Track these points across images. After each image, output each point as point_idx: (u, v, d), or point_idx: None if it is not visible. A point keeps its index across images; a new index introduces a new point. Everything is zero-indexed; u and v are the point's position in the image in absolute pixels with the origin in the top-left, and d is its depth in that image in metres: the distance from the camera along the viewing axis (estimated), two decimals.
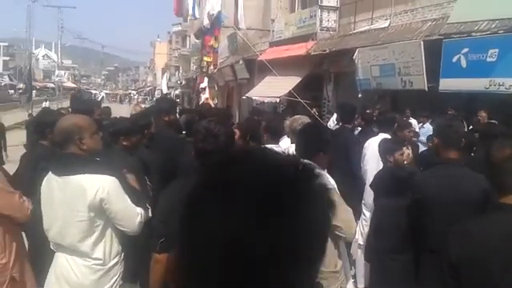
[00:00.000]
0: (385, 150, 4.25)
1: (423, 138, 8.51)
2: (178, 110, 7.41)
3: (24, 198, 3.14)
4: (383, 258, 3.55)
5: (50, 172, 2.81)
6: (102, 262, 2.75)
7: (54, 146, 3.76)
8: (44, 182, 2.85)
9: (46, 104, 27.44)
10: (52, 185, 2.78)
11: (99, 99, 45.12)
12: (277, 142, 4.81)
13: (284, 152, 0.82)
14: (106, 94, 71.91)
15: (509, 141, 1.93)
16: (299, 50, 16.03)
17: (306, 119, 5.14)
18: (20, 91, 44.24)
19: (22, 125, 16.04)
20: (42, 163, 3.47)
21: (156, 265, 2.49)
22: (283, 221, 0.68)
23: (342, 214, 2.79)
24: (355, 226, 2.90)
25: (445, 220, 2.92)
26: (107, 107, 9.11)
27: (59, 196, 2.73)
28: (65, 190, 2.70)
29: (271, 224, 0.67)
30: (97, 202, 2.66)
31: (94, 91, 69.13)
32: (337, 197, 2.78)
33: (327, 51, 14.64)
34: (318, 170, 0.77)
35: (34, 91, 39.41)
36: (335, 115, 11.10)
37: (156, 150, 4.25)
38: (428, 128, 9.11)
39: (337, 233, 2.80)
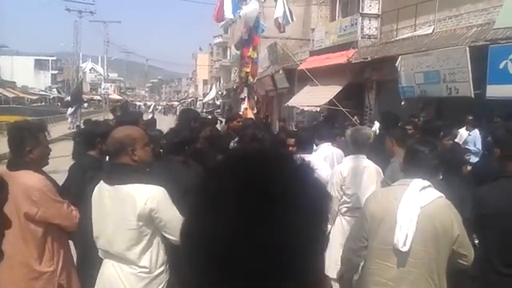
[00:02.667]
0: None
1: (474, 148, 8.27)
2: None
3: (72, 207, 3.26)
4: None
5: (102, 181, 2.90)
6: (148, 270, 2.80)
7: (103, 156, 3.90)
8: (95, 191, 2.94)
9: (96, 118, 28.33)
10: (103, 193, 2.86)
11: (151, 108, 46.02)
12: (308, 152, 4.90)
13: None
14: (144, 104, 73.38)
15: None
16: (340, 58, 15.93)
17: (368, 129, 5.17)
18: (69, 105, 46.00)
19: (70, 136, 16.63)
20: (90, 172, 3.58)
21: None
22: (285, 213, 0.69)
23: (468, 241, 2.71)
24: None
25: (508, 236, 2.84)
26: (153, 118, 9.33)
27: (110, 204, 2.81)
28: (115, 199, 2.78)
29: (274, 217, 0.69)
30: (146, 211, 2.72)
31: (138, 103, 70.89)
32: (459, 219, 2.69)
33: (369, 59, 14.48)
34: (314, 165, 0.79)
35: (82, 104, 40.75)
36: (377, 123, 10.95)
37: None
38: (475, 135, 8.83)
39: (461, 261, 2.71)
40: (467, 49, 10.37)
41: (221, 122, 12.10)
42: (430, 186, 2.62)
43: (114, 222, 2.80)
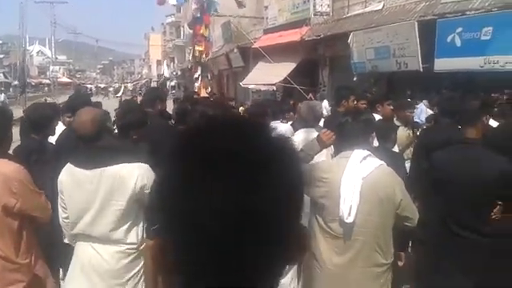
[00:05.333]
0: (390, 128, 4.24)
1: (418, 120, 8.49)
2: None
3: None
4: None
5: (72, 166, 2.77)
6: (136, 245, 2.76)
7: (45, 138, 3.73)
8: (64, 178, 2.82)
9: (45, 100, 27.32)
10: (78, 179, 2.75)
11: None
12: None
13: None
14: (96, 87, 70.98)
15: None
16: (293, 35, 15.96)
17: (319, 104, 5.21)
18: (15, 88, 44.11)
19: (18, 121, 15.90)
20: (34, 156, 3.43)
21: (147, 252, 2.47)
22: (267, 184, 0.67)
23: (410, 203, 2.79)
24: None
25: (460, 199, 2.95)
26: (98, 102, 9.00)
27: (91, 188, 2.71)
28: (99, 182, 2.69)
29: (258, 188, 0.66)
30: (138, 189, 2.67)
31: (89, 85, 68.71)
32: (401, 184, 2.76)
33: (321, 36, 14.57)
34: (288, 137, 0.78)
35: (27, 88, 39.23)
36: (326, 101, 11.17)
37: (146, 139, 4.20)
38: (422, 109, 9.09)
39: (405, 223, 2.79)
40: (415, 24, 10.60)
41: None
42: (370, 155, 2.67)
43: (97, 205, 2.71)
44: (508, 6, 9.11)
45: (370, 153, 2.69)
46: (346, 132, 2.77)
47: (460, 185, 2.92)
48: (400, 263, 3.53)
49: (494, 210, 3.17)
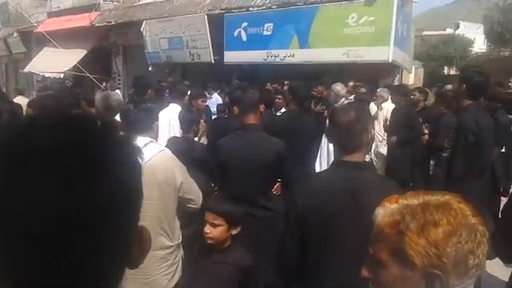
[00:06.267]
0: (191, 119, 4.32)
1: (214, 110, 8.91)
2: None
3: None
4: None
5: None
6: None
7: None
8: None
9: None
10: None
11: None
12: None
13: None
14: None
15: (352, 106, 2.16)
16: (82, 20, 15.01)
17: (118, 95, 4.96)
18: None
19: None
20: None
21: None
22: (89, 183, 0.63)
23: (192, 186, 2.84)
24: (201, 195, 2.93)
25: (243, 179, 3.19)
26: None
27: None
28: None
29: (80, 186, 0.62)
30: None
31: None
32: (183, 169, 2.79)
33: (113, 23, 14.07)
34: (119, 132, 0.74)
35: None
36: (118, 91, 10.89)
37: None
38: (216, 98, 9.55)
39: (189, 205, 2.83)
40: (206, 16, 11.04)
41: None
42: (152, 141, 2.72)
43: None
44: (285, 5, 10.19)
45: (152, 140, 2.73)
46: (129, 119, 2.76)
47: (243, 166, 3.19)
48: None
49: (275, 187, 3.58)
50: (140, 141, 2.63)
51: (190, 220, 3.39)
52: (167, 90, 7.10)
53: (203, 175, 3.49)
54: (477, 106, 3.74)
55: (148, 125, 2.81)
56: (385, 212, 1.01)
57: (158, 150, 2.72)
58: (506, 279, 2.26)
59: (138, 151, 0.74)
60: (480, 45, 36.46)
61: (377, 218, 1.02)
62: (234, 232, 2.52)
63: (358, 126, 1.91)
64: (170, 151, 2.83)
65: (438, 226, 0.93)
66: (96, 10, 15.06)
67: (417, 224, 0.95)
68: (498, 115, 5.13)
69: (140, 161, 0.74)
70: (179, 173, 2.76)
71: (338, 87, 6.78)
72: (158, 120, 2.90)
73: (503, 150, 5.35)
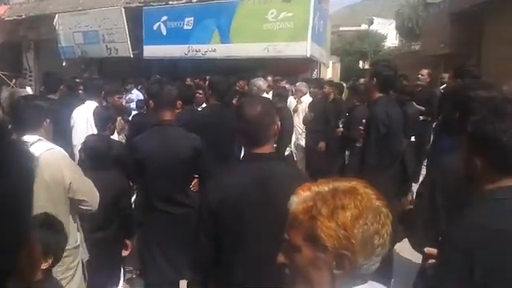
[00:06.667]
0: (107, 117, 4.15)
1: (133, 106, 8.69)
2: None
3: None
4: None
5: None
6: None
7: None
8: None
9: None
10: None
11: None
12: None
13: None
14: None
15: (258, 100, 2.16)
16: None
17: (26, 92, 4.65)
18: None
19: None
20: None
21: None
22: None
23: (85, 186, 2.69)
24: (98, 196, 2.77)
25: (160, 175, 3.14)
26: None
27: None
28: None
29: None
30: None
31: None
32: (74, 168, 2.68)
33: (23, 16, 13.28)
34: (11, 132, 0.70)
35: None
36: (29, 88, 10.34)
37: None
38: (137, 94, 9.32)
39: (82, 207, 2.67)
40: (123, 9, 10.71)
41: None
42: (40, 139, 2.58)
43: None
44: None
45: (40, 138, 2.59)
46: (16, 117, 2.61)
47: (160, 163, 3.15)
48: None
49: (193, 183, 3.57)
50: (27, 139, 2.48)
51: (108, 223, 3.29)
52: (81, 87, 6.82)
53: (120, 174, 3.40)
54: (387, 98, 3.94)
55: (37, 123, 2.64)
56: (298, 199, 1.06)
57: (45, 148, 2.55)
58: (418, 261, 2.38)
59: (29, 154, 0.72)
60: (392, 40, 38.52)
61: (291, 206, 1.07)
62: (44, 266, 2.00)
63: (265, 120, 1.94)
64: (59, 149, 2.67)
65: (346, 209, 0.99)
66: (5, 4, 14.17)
67: (327, 209, 1.00)
68: (406, 107, 5.43)
69: (30, 164, 0.71)
70: (68, 172, 2.61)
71: (260, 82, 6.85)
72: (48, 118, 2.74)
73: (413, 140, 5.70)
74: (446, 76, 7.59)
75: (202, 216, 1.93)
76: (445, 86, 6.68)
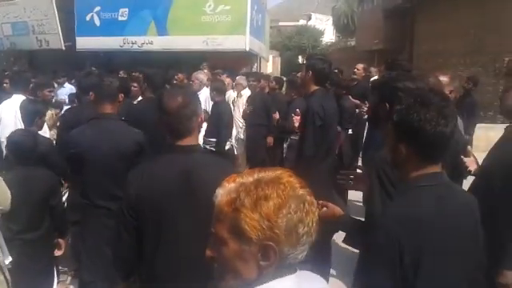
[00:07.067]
0: (34, 111, 3.94)
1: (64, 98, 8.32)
2: None
3: None
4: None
5: None
6: None
7: None
8: None
9: None
10: None
11: None
12: None
13: None
14: None
15: (180, 90, 2.08)
16: None
17: None
18: None
19: None
20: None
21: None
22: None
23: None
24: (10, 196, 2.62)
25: (100, 171, 3.01)
26: None
27: None
28: None
29: None
30: None
31: None
32: None
33: None
34: None
35: None
36: None
37: None
38: (70, 88, 8.94)
39: None
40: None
41: None
42: None
43: None
44: None
45: None
46: None
47: (99, 157, 3.03)
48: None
49: None
50: None
51: (38, 223, 3.13)
52: (6, 80, 6.45)
53: (48, 171, 3.25)
54: (323, 91, 4.02)
55: None
56: (223, 191, 1.04)
57: None
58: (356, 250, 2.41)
59: None
60: (330, 35, 39.41)
61: (217, 199, 1.04)
62: None
63: (186, 111, 1.91)
64: None
65: (268, 199, 0.97)
66: None
67: (250, 200, 0.98)
68: (343, 101, 5.56)
69: None
70: None
71: (201, 75, 6.80)
72: None
73: (350, 132, 5.86)
74: (373, 70, 7.97)
75: (122, 209, 1.88)
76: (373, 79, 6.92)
